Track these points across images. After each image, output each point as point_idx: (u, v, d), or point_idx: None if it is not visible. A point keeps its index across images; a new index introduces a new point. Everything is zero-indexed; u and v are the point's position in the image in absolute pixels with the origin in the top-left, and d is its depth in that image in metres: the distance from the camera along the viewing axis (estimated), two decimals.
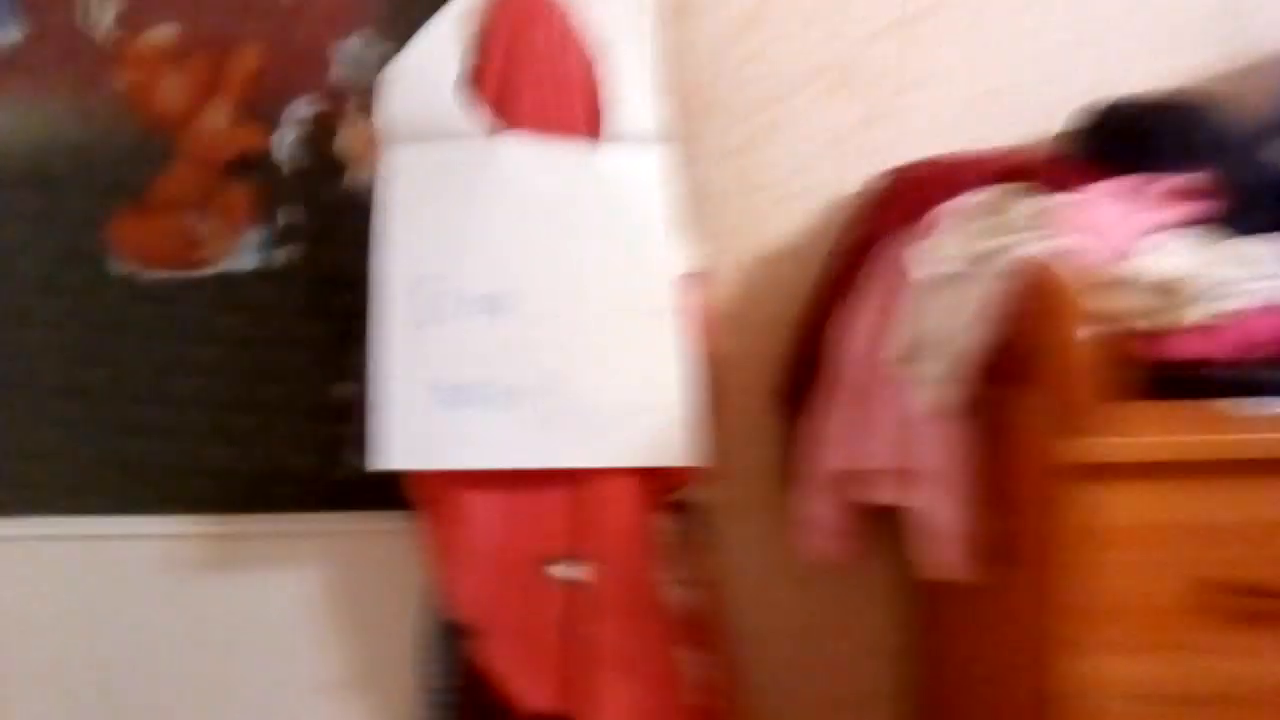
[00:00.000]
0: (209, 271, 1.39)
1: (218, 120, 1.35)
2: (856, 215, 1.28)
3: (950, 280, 1.04)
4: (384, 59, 1.20)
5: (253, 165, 1.35)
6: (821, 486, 1.29)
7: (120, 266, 1.41)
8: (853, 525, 1.31)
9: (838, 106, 1.33)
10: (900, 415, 1.14)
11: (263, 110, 1.35)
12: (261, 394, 1.42)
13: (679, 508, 1.30)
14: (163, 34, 1.34)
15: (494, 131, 1.14)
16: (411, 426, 1.16)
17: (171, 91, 1.34)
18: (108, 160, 1.37)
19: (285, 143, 1.35)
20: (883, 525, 1.31)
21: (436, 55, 1.16)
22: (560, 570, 1.22)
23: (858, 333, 1.22)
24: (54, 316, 1.42)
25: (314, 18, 1.32)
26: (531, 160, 1.14)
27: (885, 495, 1.20)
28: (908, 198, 1.20)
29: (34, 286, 1.41)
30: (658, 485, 1.23)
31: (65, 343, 1.42)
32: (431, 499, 1.23)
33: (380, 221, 1.15)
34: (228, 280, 1.39)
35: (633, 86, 1.18)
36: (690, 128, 1.31)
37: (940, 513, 1.11)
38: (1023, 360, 0.95)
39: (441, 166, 1.15)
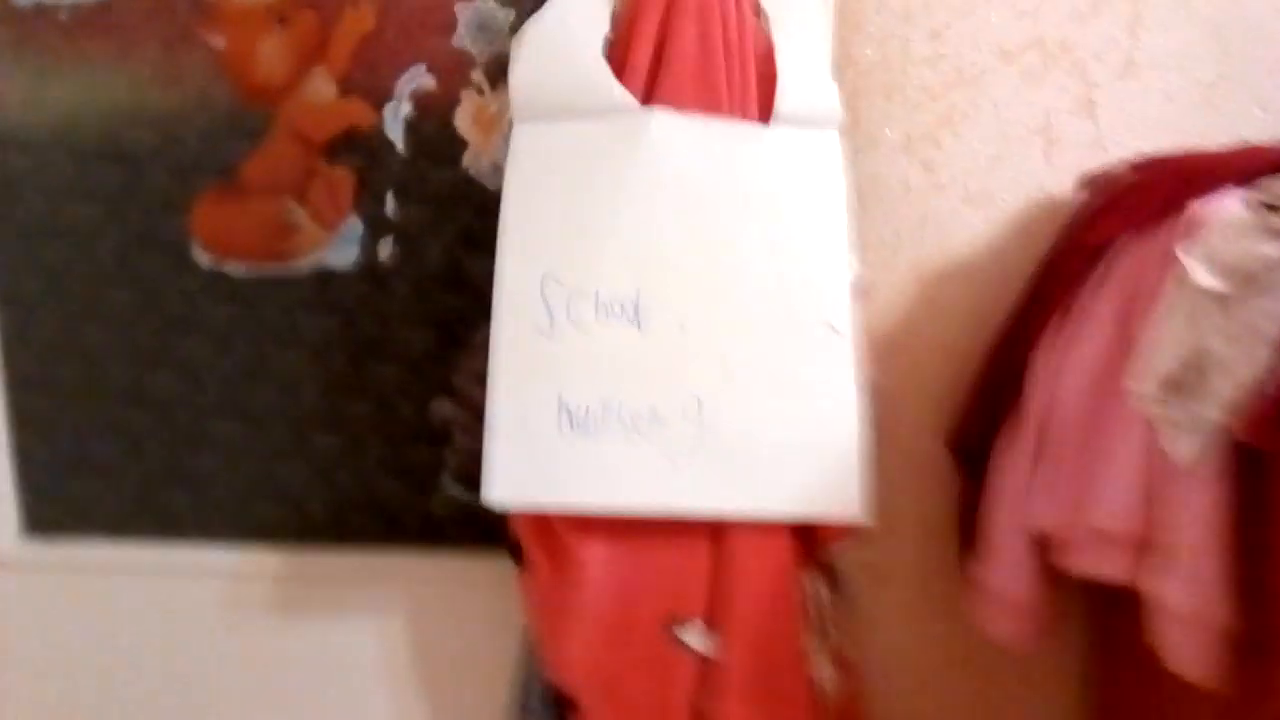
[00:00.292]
0: (301, 265, 1.25)
1: (321, 91, 1.22)
2: (1077, 218, 1.05)
3: (1236, 290, 0.80)
4: (514, 23, 1.08)
5: (358, 145, 1.22)
6: (1013, 551, 1.06)
7: (202, 256, 1.27)
8: (1049, 599, 1.08)
9: (1045, 91, 1.12)
10: (1144, 466, 0.90)
11: (372, 81, 1.21)
12: (349, 409, 1.28)
13: (829, 569, 1.13)
14: None
15: (643, 108, 0.99)
16: (531, 455, 1.00)
17: (270, 56, 1.21)
18: (195, 134, 1.24)
19: (396, 119, 1.22)
20: (1075, 596, 1.11)
21: (577, 19, 1.01)
22: (689, 636, 1.04)
23: (1079, 357, 0.99)
24: (125, 310, 1.29)
25: None
26: (687, 141, 0.99)
27: (1109, 567, 0.97)
28: (1154, 193, 0.96)
29: (106, 275, 1.28)
30: (812, 541, 1.07)
31: (135, 340, 1.29)
32: (541, 541, 1.06)
33: (503, 211, 1.01)
34: (321, 276, 1.26)
35: (807, 62, 1.01)
36: (861, 114, 1.12)
37: (1194, 595, 0.86)
38: None
39: (578, 147, 1.00)
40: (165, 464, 1.30)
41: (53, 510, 1.33)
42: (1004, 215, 1.13)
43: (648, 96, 1.00)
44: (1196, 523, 0.85)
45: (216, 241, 1.26)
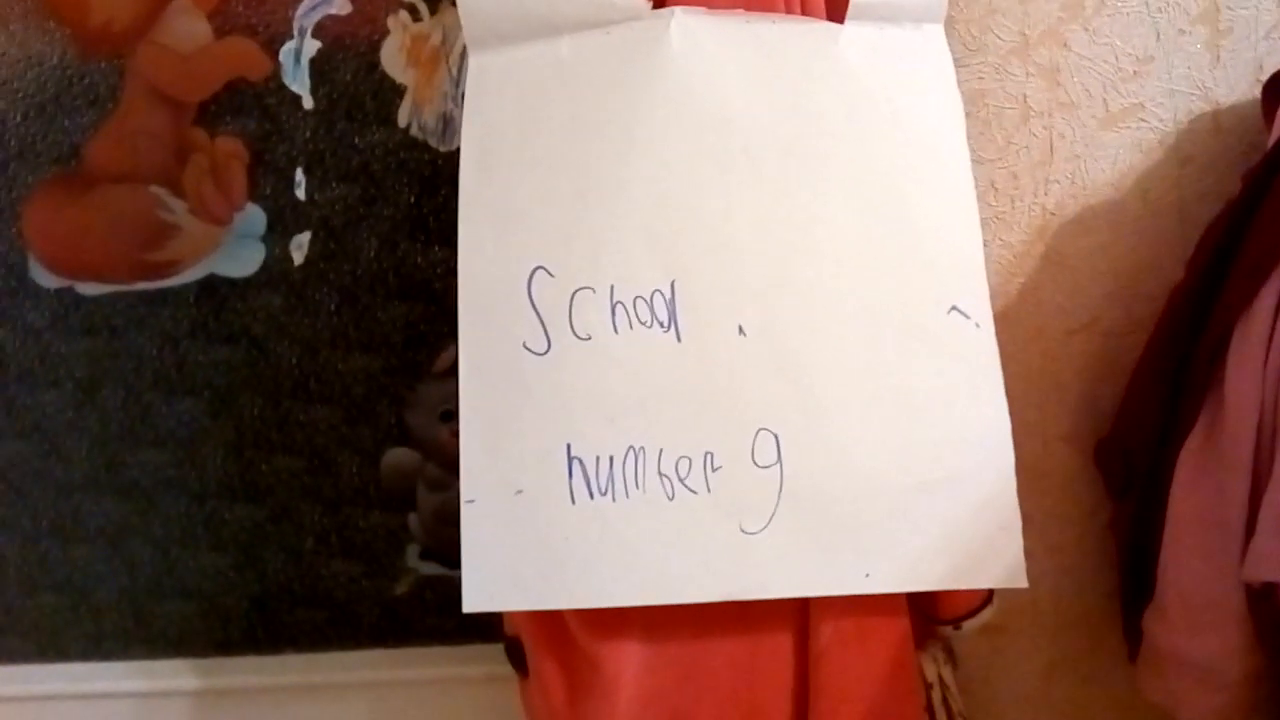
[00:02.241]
0: (183, 278, 1.08)
1: (187, 32, 1.04)
2: None
3: None
4: None
5: (248, 104, 1.05)
6: (1217, 608, 0.85)
7: (44, 275, 1.09)
8: (1266, 669, 0.86)
9: None
10: None
11: (259, 13, 1.03)
12: (270, 470, 1.11)
13: (947, 641, 0.97)
14: None
15: (656, 10, 0.79)
16: (527, 536, 0.79)
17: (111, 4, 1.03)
18: (19, 105, 1.05)
19: (299, 64, 1.05)
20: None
21: None
22: None
23: None
24: None
25: None
26: (726, 55, 0.78)
27: None
28: None
29: None
30: (935, 611, 0.87)
31: None
32: (550, 643, 0.87)
33: (462, 180, 0.82)
34: (213, 291, 1.08)
35: None
36: (962, 10, 0.93)
37: None
38: None
39: (567, 78, 0.80)
40: (25, 563, 1.12)
41: None
42: (1157, 138, 0.94)
43: None
44: None
45: (62, 254, 1.08)
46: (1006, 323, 0.96)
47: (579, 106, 0.79)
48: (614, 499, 0.77)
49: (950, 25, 0.89)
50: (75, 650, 1.15)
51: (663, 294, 0.77)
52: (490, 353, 0.80)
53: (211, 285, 1.09)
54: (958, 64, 0.89)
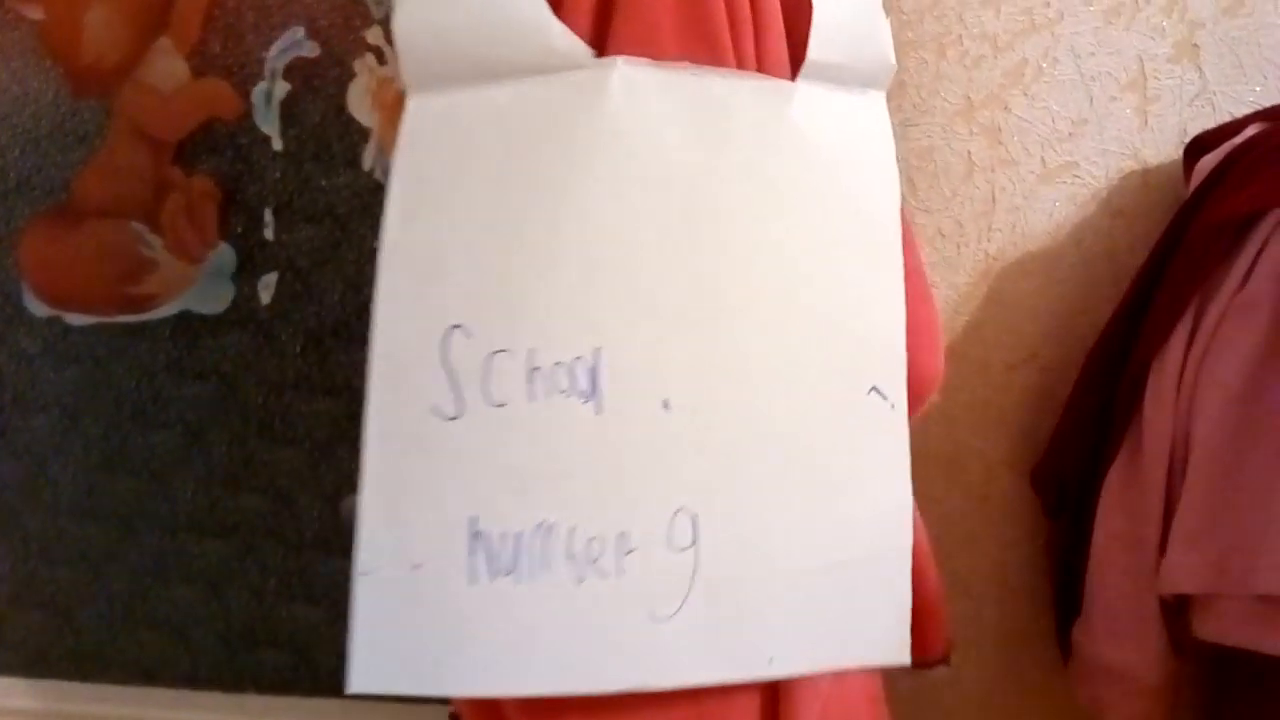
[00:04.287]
0: (160, 313, 1.10)
1: (167, 72, 1.06)
2: (1203, 190, 0.92)
3: None
4: None
5: (221, 144, 1.07)
6: (1136, 617, 0.94)
7: (36, 304, 1.11)
8: (1180, 671, 0.96)
9: (1136, 35, 0.99)
10: None
11: (234, 55, 1.05)
12: (237, 507, 1.12)
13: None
14: None
15: (598, 59, 0.73)
16: (424, 615, 0.73)
17: (100, 27, 1.06)
18: (16, 139, 1.08)
19: (269, 105, 1.06)
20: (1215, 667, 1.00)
21: None
22: None
23: (1224, 374, 0.85)
24: None
25: None
26: (669, 109, 0.72)
27: (1269, 637, 0.83)
28: None
29: None
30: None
31: None
32: (488, 717, 0.81)
33: (385, 227, 0.76)
34: (187, 327, 1.10)
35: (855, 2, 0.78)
36: (909, 74, 1.01)
37: None
38: None
39: (502, 125, 0.75)
40: (15, 580, 1.15)
41: None
42: (1090, 192, 1.02)
43: (600, 40, 0.74)
44: None
45: (52, 284, 1.11)
46: (954, 357, 1.04)
47: (513, 157, 0.75)
48: (517, 580, 0.72)
49: (902, 88, 0.99)
50: (59, 669, 1.16)
51: (585, 362, 0.73)
52: (398, 414, 0.75)
53: (186, 321, 1.11)
54: (908, 124, 1.00)
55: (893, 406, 0.74)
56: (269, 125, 1.06)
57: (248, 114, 1.06)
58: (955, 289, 1.04)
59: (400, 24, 0.75)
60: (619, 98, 0.72)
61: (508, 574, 0.72)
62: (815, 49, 0.73)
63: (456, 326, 0.73)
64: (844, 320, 0.74)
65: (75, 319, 1.12)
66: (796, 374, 0.73)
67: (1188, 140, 0.98)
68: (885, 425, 0.75)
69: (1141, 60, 0.99)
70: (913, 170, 0.99)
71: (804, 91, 0.74)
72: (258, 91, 1.06)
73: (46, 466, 1.13)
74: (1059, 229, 1.03)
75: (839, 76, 0.75)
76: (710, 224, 0.72)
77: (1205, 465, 0.86)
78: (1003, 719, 1.14)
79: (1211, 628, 0.88)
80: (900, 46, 0.96)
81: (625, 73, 0.71)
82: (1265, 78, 0.99)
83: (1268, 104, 0.98)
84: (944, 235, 1.02)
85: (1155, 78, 1.00)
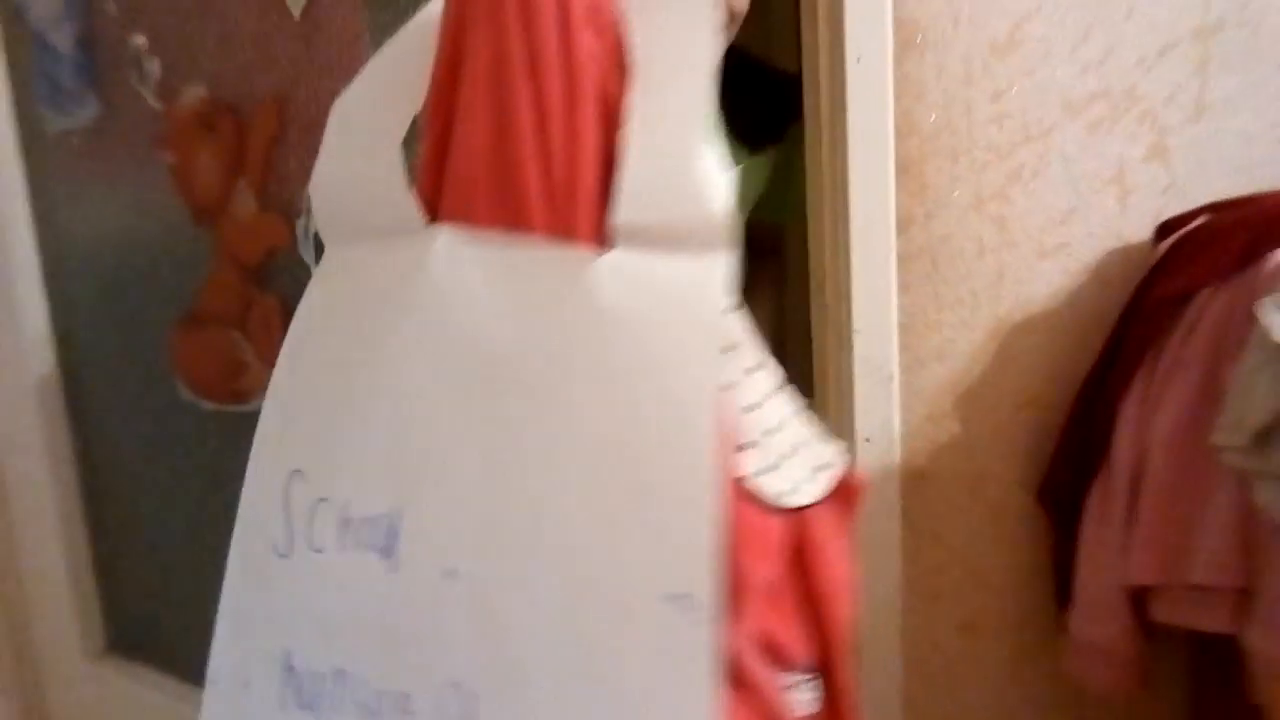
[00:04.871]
0: (256, 406, 1.19)
1: (245, 207, 1.11)
2: (1157, 266, 1.14)
3: None
4: None
5: (281, 267, 1.09)
6: (1108, 603, 1.14)
7: (183, 391, 1.23)
8: (1146, 649, 1.16)
9: (1116, 140, 1.20)
10: (1240, 519, 0.99)
11: (285, 193, 1.07)
12: None
13: None
14: (193, 96, 1.13)
15: (428, 226, 0.72)
16: None
17: (206, 169, 1.12)
18: (167, 261, 1.20)
19: (307, 236, 1.08)
20: (1173, 645, 1.18)
21: (384, 84, 0.76)
22: None
23: (1168, 411, 1.07)
24: (139, 448, 1.25)
25: (330, 64, 1.03)
26: (479, 279, 0.70)
27: (1209, 620, 1.05)
28: (1233, 240, 1.05)
29: (115, 413, 1.26)
30: None
31: (158, 484, 1.25)
32: None
33: (278, 366, 0.78)
34: None
35: (671, 138, 0.67)
36: (928, 179, 1.20)
37: None
38: None
39: (361, 283, 0.75)
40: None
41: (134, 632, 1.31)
42: (1081, 266, 1.21)
43: (432, 199, 0.72)
44: None
45: (189, 377, 1.22)
46: (971, 400, 1.23)
47: (358, 314, 0.74)
48: (316, 717, 0.71)
49: (924, 189, 1.17)
50: None
51: (386, 520, 0.70)
52: (251, 544, 0.75)
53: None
54: (930, 216, 1.18)
55: (695, 614, 0.62)
56: (307, 254, 1.09)
57: (294, 244, 1.10)
58: (972, 345, 1.22)
59: (313, 180, 0.76)
60: (440, 264, 0.70)
61: (309, 710, 0.72)
62: (623, 212, 0.67)
63: (297, 470, 0.74)
64: (643, 515, 0.64)
65: (207, 405, 1.22)
66: (585, 566, 0.65)
67: (1158, 224, 1.19)
68: (681, 637, 0.63)
69: (1121, 160, 1.19)
70: (936, 252, 1.20)
71: (610, 260, 0.67)
72: (299, 224, 1.09)
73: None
74: (1055, 296, 1.21)
75: (659, 240, 0.67)
76: (510, 397, 0.68)
77: (1155, 484, 1.08)
78: (1017, 688, 1.29)
79: (1163, 612, 1.09)
80: (923, 157, 1.18)
81: (446, 240, 0.70)
82: (1224, 174, 1.20)
83: (1230, 194, 1.19)
84: (962, 302, 1.21)
85: (1132, 175, 1.19)
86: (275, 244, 1.11)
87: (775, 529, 0.69)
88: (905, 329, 1.21)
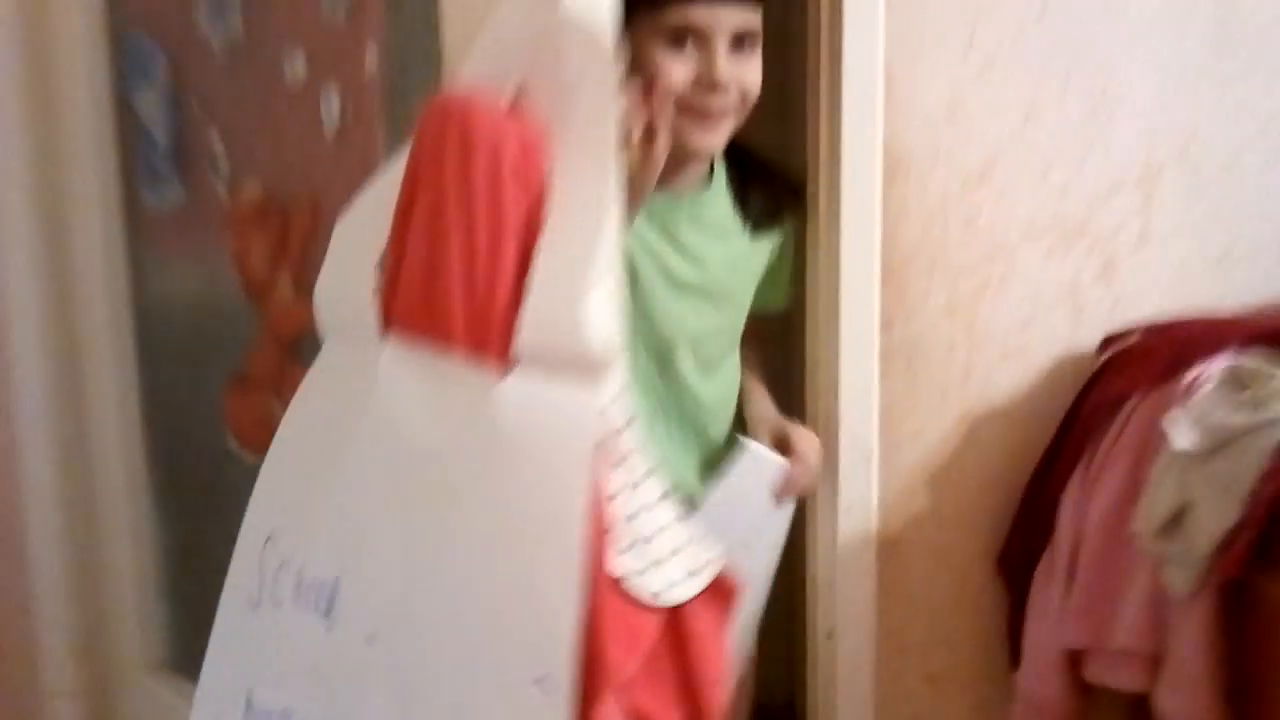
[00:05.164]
0: None
1: (286, 290, 1.22)
2: (1098, 374, 1.33)
3: (1210, 453, 1.09)
4: None
5: (313, 347, 1.14)
6: (1051, 664, 1.31)
7: (234, 446, 1.33)
8: (1079, 705, 1.32)
9: (1071, 260, 1.40)
10: (1150, 595, 1.17)
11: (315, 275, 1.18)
12: None
13: None
14: (252, 191, 1.27)
15: (381, 335, 0.82)
16: None
17: (258, 254, 1.25)
18: (227, 329, 1.32)
19: None
20: (1108, 705, 1.32)
21: (376, 204, 0.85)
22: None
23: (1100, 500, 1.25)
24: (202, 488, 1.36)
25: (354, 179, 1.09)
26: (411, 386, 0.79)
27: (1127, 680, 1.22)
28: (1158, 357, 1.24)
29: (185, 455, 1.40)
30: None
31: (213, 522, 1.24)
32: None
33: (277, 437, 0.89)
34: None
35: (572, 275, 0.74)
36: (908, 285, 1.37)
37: (1193, 703, 1.13)
38: None
39: (337, 377, 0.87)
40: None
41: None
42: (1037, 369, 1.39)
43: (386, 307, 0.82)
44: (1192, 642, 1.11)
45: (236, 431, 1.30)
46: (941, 479, 1.39)
47: (331, 405, 0.85)
48: None
49: (903, 290, 1.34)
50: None
51: (330, 586, 0.79)
52: (235, 592, 0.86)
53: None
54: (908, 318, 1.35)
55: (554, 699, 0.70)
56: None
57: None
58: (943, 431, 1.40)
59: (316, 287, 0.88)
60: (385, 372, 0.80)
61: None
62: (524, 339, 0.74)
63: (271, 533, 0.85)
64: (519, 608, 0.73)
65: (249, 458, 1.29)
66: (474, 649, 0.74)
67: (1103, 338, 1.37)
68: (544, 716, 0.71)
69: (1074, 280, 1.39)
70: (913, 350, 1.37)
71: (509, 383, 0.74)
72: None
73: None
74: (1015, 394, 1.39)
75: (551, 365, 0.74)
76: (428, 491, 0.77)
77: (1088, 560, 1.26)
78: None
79: (1093, 672, 1.27)
80: (904, 264, 1.36)
81: (390, 352, 0.80)
82: (1164, 296, 1.39)
83: (1169, 312, 1.38)
84: (934, 394, 1.39)
85: (1083, 293, 1.39)
86: (306, 325, 1.16)
87: (648, 624, 0.77)
88: (885, 415, 1.36)
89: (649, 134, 0.95)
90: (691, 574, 0.78)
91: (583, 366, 0.73)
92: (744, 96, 1.13)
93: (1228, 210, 1.42)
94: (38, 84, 1.39)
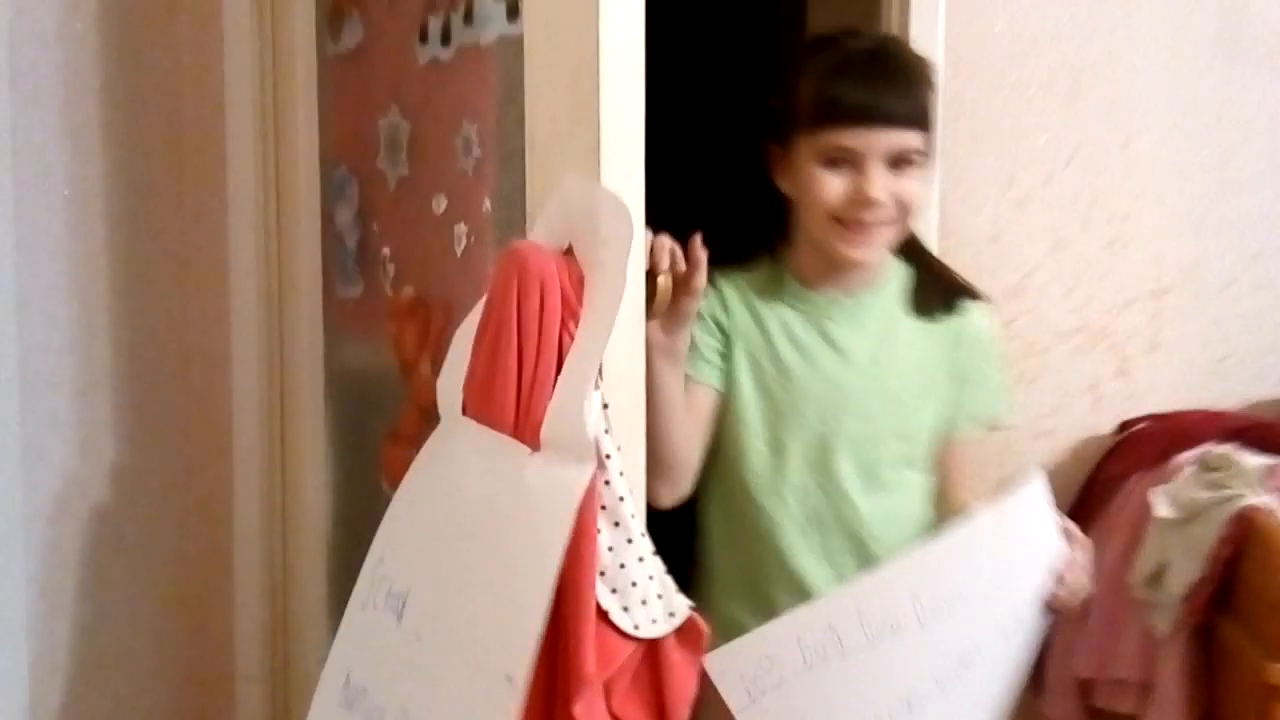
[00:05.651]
0: None
1: (426, 369, 1.42)
2: (1109, 454, 1.64)
3: (1184, 521, 1.40)
4: None
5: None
6: (1067, 690, 1.59)
7: (387, 487, 1.44)
8: None
9: (1093, 360, 1.70)
10: (1142, 634, 1.47)
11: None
12: None
13: None
14: (408, 292, 1.50)
15: (460, 415, 1.04)
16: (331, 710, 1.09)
17: (409, 340, 1.48)
18: (388, 393, 1.54)
19: None
20: None
21: (468, 328, 1.05)
22: None
23: (1107, 555, 1.51)
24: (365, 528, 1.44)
25: (477, 291, 1.16)
26: (472, 455, 1.01)
27: (1125, 705, 1.51)
28: (1154, 444, 1.55)
29: (356, 492, 1.65)
30: None
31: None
32: None
33: (402, 485, 1.12)
34: None
35: (580, 383, 0.94)
36: None
37: None
38: (1239, 594, 1.30)
39: (435, 445, 1.09)
40: None
41: None
42: (1063, 448, 1.69)
43: (466, 394, 1.03)
44: (1172, 673, 1.41)
45: (390, 479, 1.40)
46: None
47: (431, 466, 1.07)
48: (351, 714, 1.06)
49: None
50: None
51: (402, 596, 1.02)
52: (358, 596, 1.09)
53: None
54: None
55: (514, 694, 0.88)
56: None
57: None
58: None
59: (439, 376, 1.08)
60: (458, 440, 1.03)
61: (349, 709, 1.06)
62: (546, 425, 0.93)
63: (382, 555, 1.08)
64: (501, 621, 0.92)
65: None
66: (478, 649, 0.95)
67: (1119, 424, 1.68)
68: (505, 706, 0.88)
69: (1095, 376, 1.69)
70: None
71: (534, 458, 0.94)
72: None
73: None
74: (1044, 468, 1.53)
75: (564, 448, 0.92)
76: (466, 531, 0.99)
77: (1096, 605, 1.50)
78: None
79: (1098, 698, 1.55)
80: None
81: (464, 427, 1.01)
82: (1171, 391, 1.69)
83: (1175, 406, 1.69)
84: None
85: (1102, 386, 1.69)
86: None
87: (624, 649, 0.93)
88: None
89: (650, 277, 1.04)
90: (670, 615, 0.95)
91: (573, 452, 0.92)
92: (902, 208, 1.17)
93: (1225, 323, 1.73)
94: (271, 201, 1.79)
